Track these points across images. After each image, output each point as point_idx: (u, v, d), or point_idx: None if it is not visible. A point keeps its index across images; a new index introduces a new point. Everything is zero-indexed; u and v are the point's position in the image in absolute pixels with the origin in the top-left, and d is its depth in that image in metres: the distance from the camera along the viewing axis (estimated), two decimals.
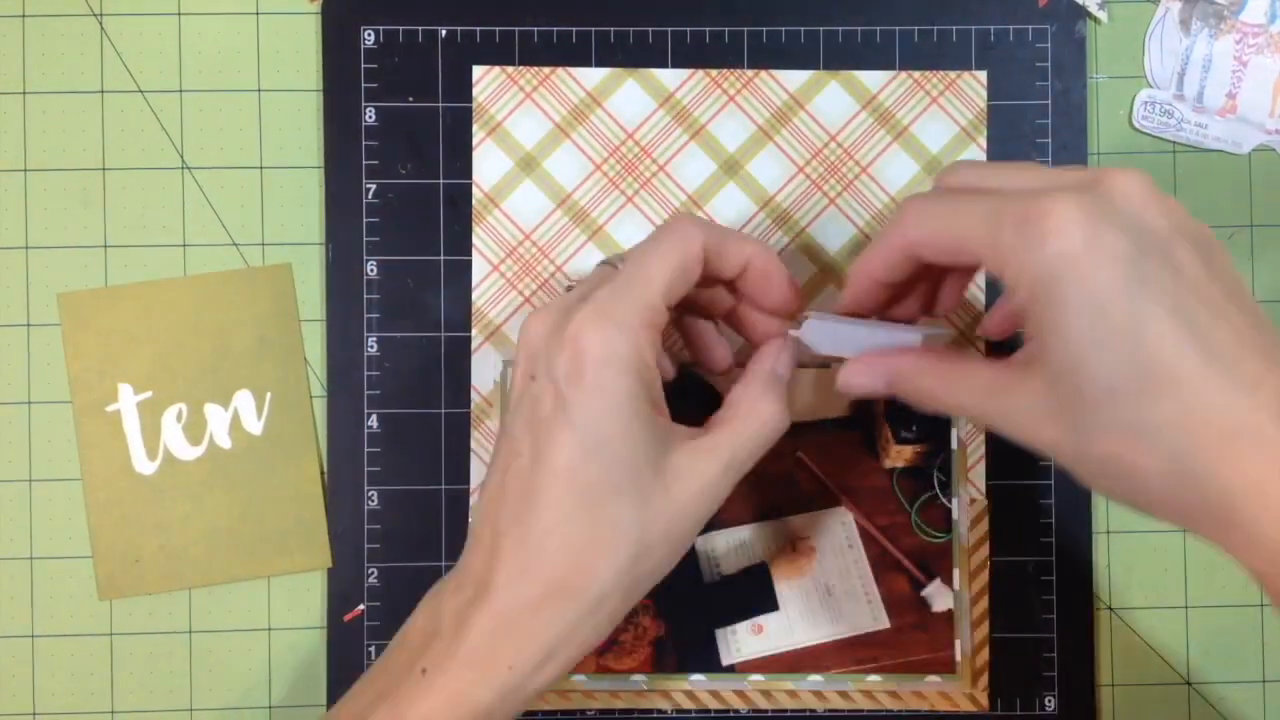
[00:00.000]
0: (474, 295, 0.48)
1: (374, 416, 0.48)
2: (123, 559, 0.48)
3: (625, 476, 0.37)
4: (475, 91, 0.49)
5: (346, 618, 0.48)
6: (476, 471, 0.48)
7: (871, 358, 0.40)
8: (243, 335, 0.49)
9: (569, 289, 0.41)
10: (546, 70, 0.49)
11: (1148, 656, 0.49)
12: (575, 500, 0.36)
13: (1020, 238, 0.33)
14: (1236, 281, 0.34)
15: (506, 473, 0.37)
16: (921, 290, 0.42)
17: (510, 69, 0.49)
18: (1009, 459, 0.48)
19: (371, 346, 0.48)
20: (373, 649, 0.48)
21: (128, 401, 0.48)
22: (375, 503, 0.48)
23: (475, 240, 0.49)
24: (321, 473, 0.49)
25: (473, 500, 0.48)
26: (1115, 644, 0.49)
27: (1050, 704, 0.48)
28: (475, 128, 0.49)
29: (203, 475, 0.48)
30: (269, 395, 0.49)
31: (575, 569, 0.36)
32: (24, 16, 0.49)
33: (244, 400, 0.49)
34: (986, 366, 0.37)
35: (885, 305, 0.42)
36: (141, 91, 0.49)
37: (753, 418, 0.40)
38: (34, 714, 0.48)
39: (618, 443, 0.36)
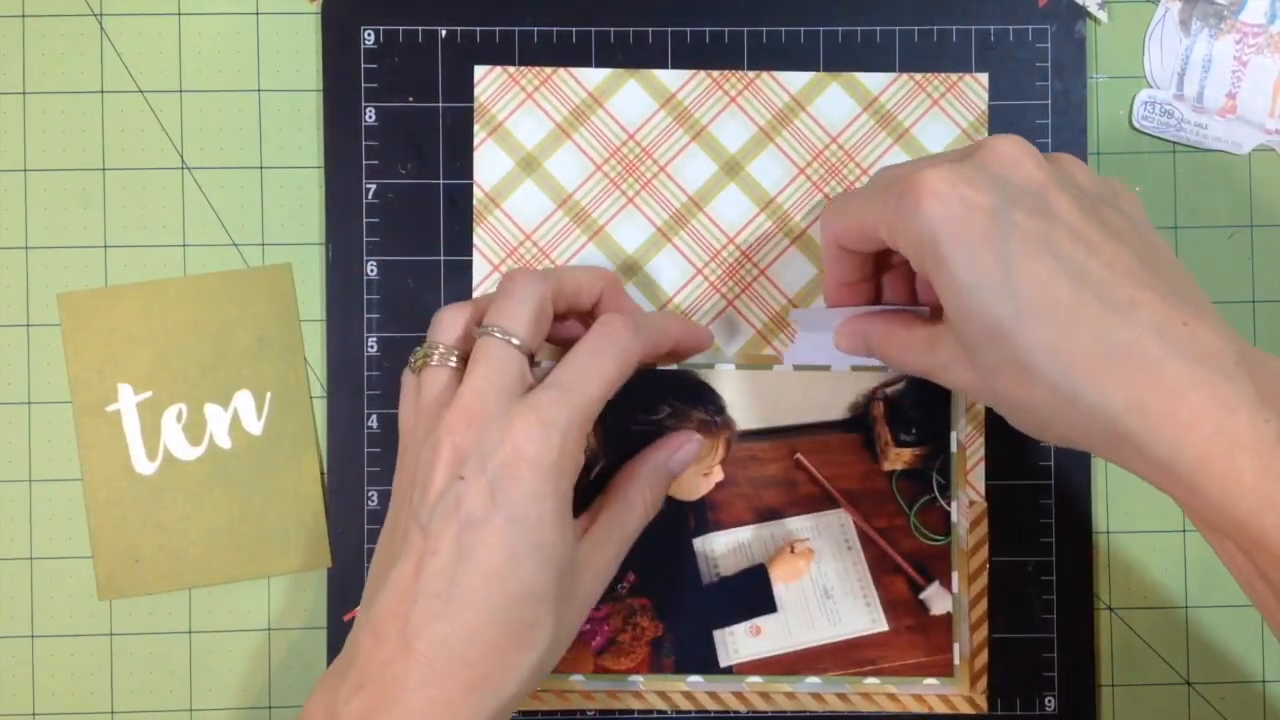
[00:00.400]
0: (475, 295, 0.48)
1: (374, 416, 0.48)
2: (123, 559, 0.48)
3: (550, 580, 0.37)
4: (477, 91, 0.49)
5: (346, 618, 0.48)
6: None
7: (850, 323, 0.43)
8: (243, 335, 0.49)
9: (428, 354, 0.41)
10: (548, 70, 0.49)
11: (1148, 656, 0.49)
12: (502, 603, 0.37)
13: (900, 211, 0.36)
14: (1122, 222, 0.37)
15: (421, 570, 0.37)
16: (899, 287, 0.44)
17: (511, 69, 0.49)
18: (1009, 459, 0.48)
19: (371, 346, 0.48)
20: None
21: (128, 401, 0.48)
22: (375, 503, 0.48)
23: (476, 240, 0.49)
24: (321, 473, 0.49)
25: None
26: (1115, 644, 0.49)
27: (1050, 704, 0.48)
28: (476, 128, 0.49)
29: (203, 475, 0.48)
30: (269, 395, 0.49)
31: (497, 666, 0.37)
32: (24, 16, 0.49)
33: (244, 400, 0.49)
34: (922, 325, 0.40)
35: (871, 304, 0.45)
36: (141, 91, 0.49)
37: (638, 510, 0.44)
38: (34, 714, 0.48)
39: (548, 548, 0.37)
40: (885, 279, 0.44)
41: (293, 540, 0.48)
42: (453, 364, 0.40)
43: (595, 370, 0.39)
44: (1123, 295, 0.34)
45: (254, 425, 0.49)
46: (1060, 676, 0.48)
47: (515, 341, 0.39)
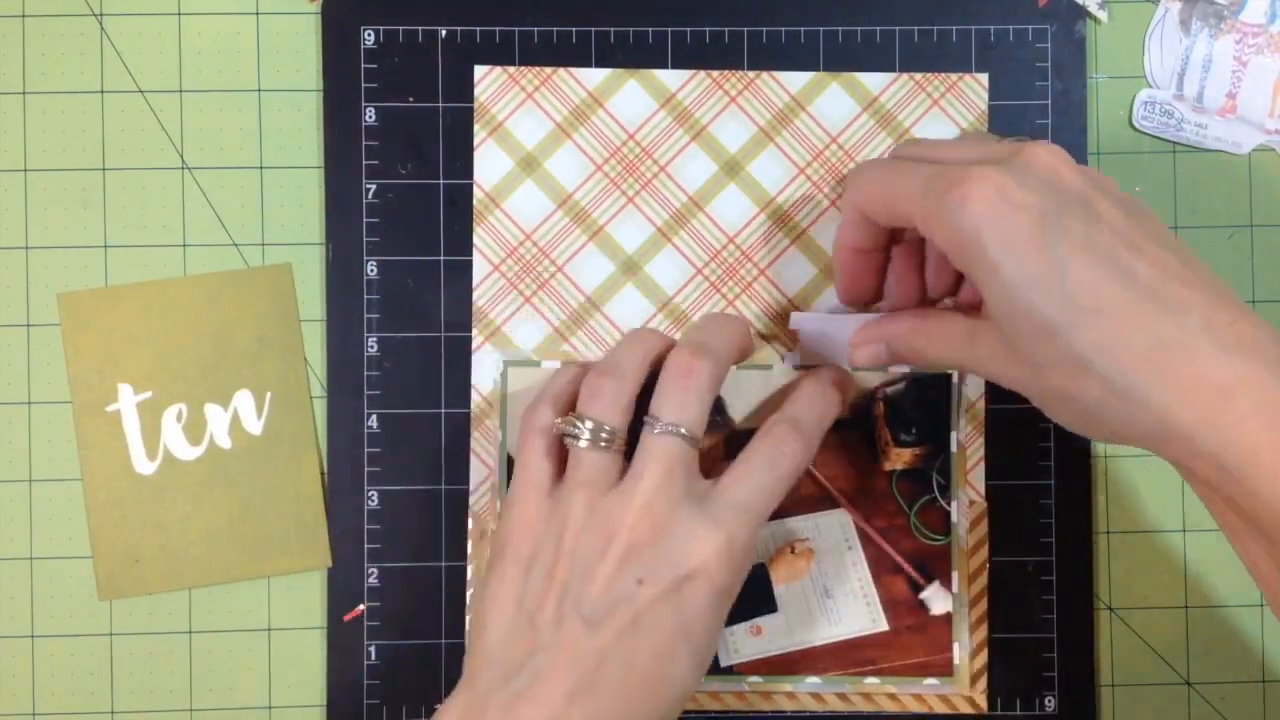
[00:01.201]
0: (475, 295, 0.48)
1: (374, 416, 0.48)
2: (123, 559, 0.48)
3: (699, 677, 0.39)
4: (477, 91, 0.49)
5: (346, 618, 0.48)
6: (476, 472, 0.48)
7: (869, 328, 0.43)
8: (243, 335, 0.49)
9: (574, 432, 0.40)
10: (548, 70, 0.49)
11: (1148, 656, 0.49)
12: (652, 701, 0.38)
13: (942, 205, 0.37)
14: (1161, 229, 0.38)
15: (576, 658, 0.38)
16: (909, 278, 0.44)
17: (512, 69, 0.49)
18: (1009, 460, 0.48)
19: (371, 346, 0.48)
20: (373, 649, 0.48)
21: (128, 401, 0.48)
22: (375, 503, 0.48)
23: (476, 240, 0.49)
24: (321, 473, 0.49)
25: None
26: (1115, 644, 0.49)
27: (1050, 704, 0.48)
28: (477, 127, 0.49)
29: (203, 475, 0.48)
30: (269, 395, 0.49)
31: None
32: (24, 16, 0.49)
33: (244, 400, 0.49)
34: (960, 320, 0.41)
35: (875, 293, 0.45)
36: (141, 91, 0.49)
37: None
38: (34, 714, 0.48)
39: (706, 654, 0.40)
40: (894, 250, 0.44)
41: (293, 540, 0.48)
42: (617, 449, 0.40)
43: (773, 488, 0.40)
44: (1172, 294, 0.35)
45: (254, 425, 0.49)
46: (1060, 676, 0.48)
47: (686, 434, 0.39)
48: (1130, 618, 0.49)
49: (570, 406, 0.41)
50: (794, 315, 0.47)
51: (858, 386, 0.48)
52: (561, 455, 0.41)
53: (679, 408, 0.39)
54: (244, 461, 0.49)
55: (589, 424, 0.40)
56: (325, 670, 0.48)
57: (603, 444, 0.39)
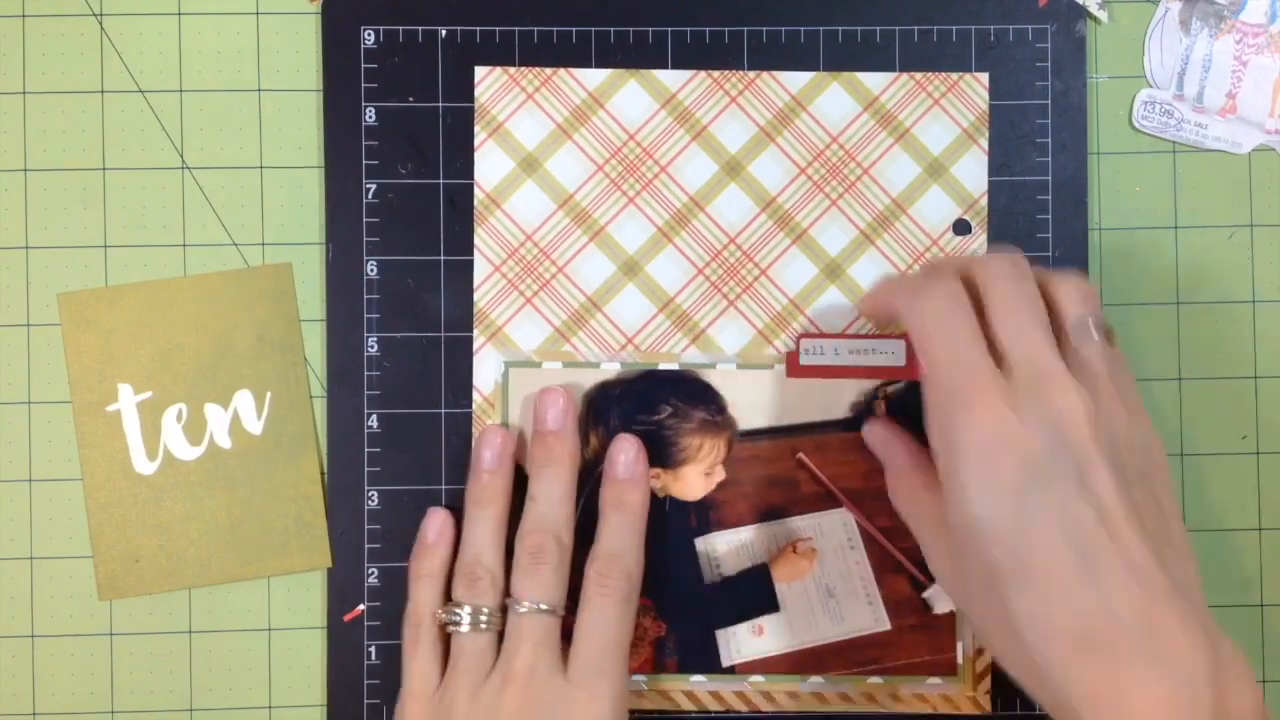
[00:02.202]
0: (476, 296, 0.48)
1: (374, 416, 0.48)
2: (123, 559, 0.48)
3: None
4: (477, 92, 0.49)
5: (346, 618, 0.48)
6: None
7: (883, 438, 0.46)
8: (243, 335, 0.49)
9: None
10: (548, 71, 0.49)
11: None
12: None
13: (943, 412, 0.37)
14: (1159, 499, 0.37)
15: None
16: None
17: (512, 69, 0.49)
18: None
19: (371, 346, 0.48)
20: (373, 649, 0.48)
21: (128, 401, 0.48)
22: (375, 503, 0.48)
23: (477, 241, 0.49)
24: (321, 473, 0.49)
25: None
26: None
27: None
28: (477, 128, 0.49)
29: (203, 475, 0.48)
30: (269, 395, 0.49)
31: None
32: (24, 16, 0.49)
33: (244, 400, 0.49)
34: (930, 495, 0.41)
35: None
36: (141, 91, 0.49)
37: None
38: (34, 714, 0.48)
39: None
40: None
41: (293, 540, 0.48)
42: (495, 627, 0.44)
43: (619, 630, 0.44)
44: (1121, 592, 0.34)
45: (254, 425, 0.49)
46: None
47: (547, 608, 0.43)
48: None
49: (449, 557, 0.46)
50: (802, 342, 0.48)
51: (859, 385, 0.48)
52: (443, 644, 0.45)
53: (538, 587, 0.44)
54: (244, 461, 0.49)
55: (467, 610, 0.44)
56: (325, 670, 0.48)
57: (483, 626, 0.44)
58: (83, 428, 0.48)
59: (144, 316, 0.49)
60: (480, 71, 0.49)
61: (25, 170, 0.49)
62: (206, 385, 0.49)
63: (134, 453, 0.48)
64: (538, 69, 0.49)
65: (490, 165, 0.49)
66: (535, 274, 0.49)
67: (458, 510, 0.47)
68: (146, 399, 0.49)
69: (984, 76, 0.49)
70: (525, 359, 0.48)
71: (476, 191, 0.49)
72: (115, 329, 0.49)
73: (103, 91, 0.49)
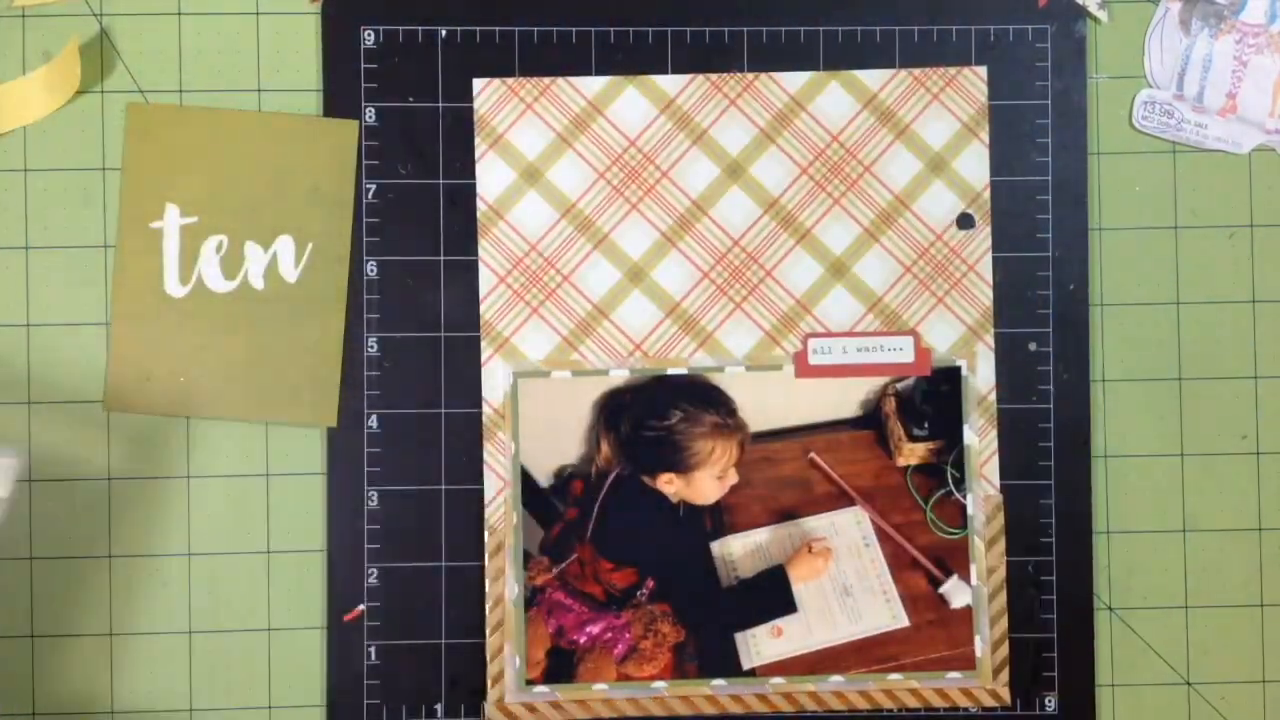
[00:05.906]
0: (482, 308, 0.48)
1: (374, 417, 0.48)
2: (135, 373, 0.48)
3: None
4: (476, 104, 0.49)
5: (346, 618, 0.48)
6: (490, 485, 0.48)
7: None
8: (297, 182, 0.48)
9: None
10: (546, 80, 0.49)
11: (1148, 656, 0.49)
12: None
13: None
14: None
15: None
16: None
17: (510, 80, 0.49)
18: (1009, 460, 0.48)
19: (371, 346, 0.48)
20: (373, 649, 0.48)
21: (172, 222, 0.48)
22: (375, 503, 0.48)
23: (481, 252, 0.48)
24: (346, 331, 0.48)
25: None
26: (1115, 644, 0.49)
27: (1050, 704, 0.48)
28: (477, 140, 0.49)
29: (230, 310, 0.48)
30: (310, 246, 0.48)
31: None
32: (24, 16, 0.49)
33: (284, 245, 0.48)
34: None
35: None
36: (141, 91, 0.49)
37: None
38: (34, 714, 0.48)
39: None
40: None
41: (304, 392, 0.48)
42: None
43: None
44: None
45: (290, 272, 0.48)
46: (1060, 676, 0.48)
47: None
48: (1130, 618, 0.49)
49: None
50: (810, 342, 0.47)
51: (868, 384, 0.48)
52: None
53: None
54: (273, 305, 0.48)
55: None
56: (325, 670, 0.48)
57: None
58: (124, 239, 0.48)
59: (208, 141, 0.48)
60: (478, 84, 0.49)
61: (25, 170, 0.49)
62: (252, 223, 0.48)
63: (168, 273, 0.48)
64: (535, 79, 0.49)
65: (492, 177, 0.49)
66: (541, 284, 0.48)
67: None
68: (191, 223, 0.48)
69: (982, 70, 0.49)
70: (534, 369, 0.48)
71: (479, 203, 0.49)
72: (177, 146, 0.48)
73: (103, 91, 0.49)
